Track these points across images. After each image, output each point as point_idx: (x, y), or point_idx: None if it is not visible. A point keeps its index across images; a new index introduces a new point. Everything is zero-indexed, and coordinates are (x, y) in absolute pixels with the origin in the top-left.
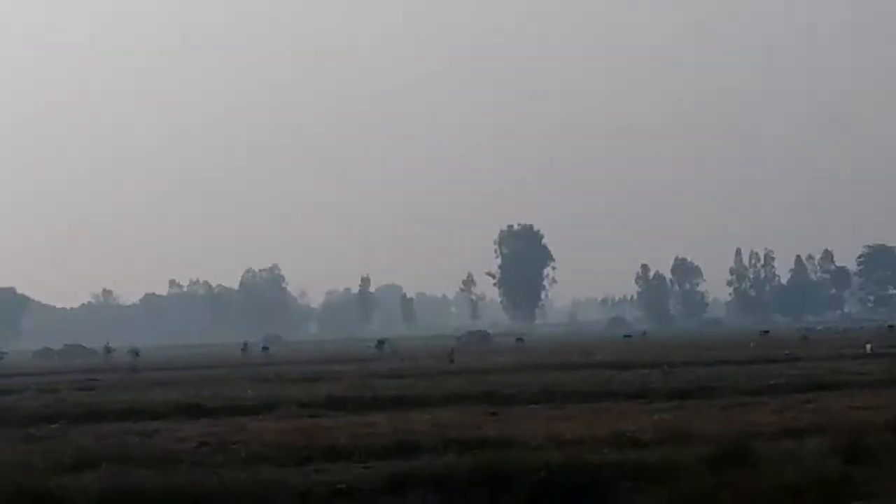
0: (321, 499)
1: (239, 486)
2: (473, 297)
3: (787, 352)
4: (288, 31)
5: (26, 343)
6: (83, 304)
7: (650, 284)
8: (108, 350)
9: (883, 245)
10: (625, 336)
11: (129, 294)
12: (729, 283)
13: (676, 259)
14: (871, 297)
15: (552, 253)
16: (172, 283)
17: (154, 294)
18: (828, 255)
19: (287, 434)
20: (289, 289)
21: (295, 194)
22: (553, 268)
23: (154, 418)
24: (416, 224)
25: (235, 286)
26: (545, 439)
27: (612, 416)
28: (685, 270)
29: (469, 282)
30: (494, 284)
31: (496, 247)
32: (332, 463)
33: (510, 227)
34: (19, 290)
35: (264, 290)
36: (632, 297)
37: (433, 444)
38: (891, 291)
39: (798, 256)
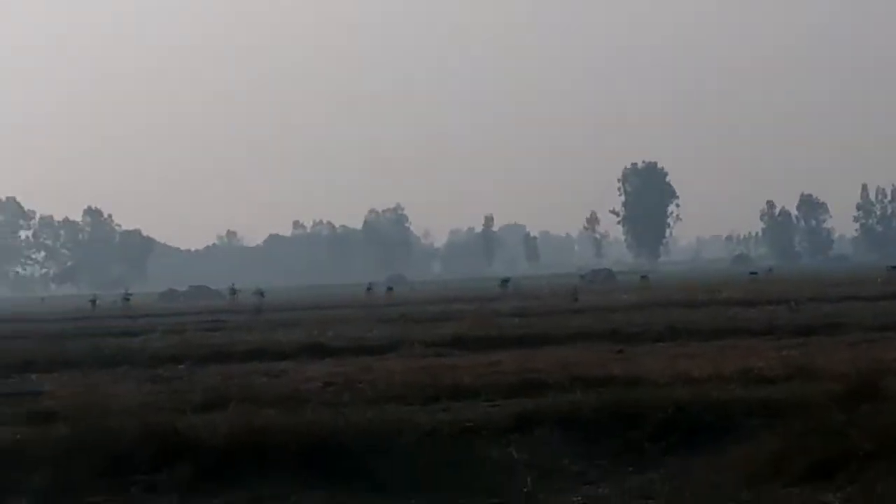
0: (448, 437)
1: (365, 425)
2: (597, 236)
3: None
4: None
5: (152, 285)
6: (208, 246)
7: (775, 221)
8: (232, 291)
9: None
10: (750, 273)
11: (254, 235)
12: (855, 220)
13: (802, 195)
14: None
15: (676, 190)
16: (296, 223)
17: (278, 235)
18: None
19: (412, 373)
20: (412, 229)
21: (418, 133)
22: (677, 205)
23: (279, 359)
24: (540, 162)
25: (359, 226)
26: (671, 377)
27: (739, 353)
28: (811, 206)
29: (592, 220)
30: (618, 222)
31: (620, 184)
32: (458, 401)
33: (634, 164)
34: (145, 233)
35: (388, 230)
36: (756, 235)
37: (559, 382)
38: None
39: None
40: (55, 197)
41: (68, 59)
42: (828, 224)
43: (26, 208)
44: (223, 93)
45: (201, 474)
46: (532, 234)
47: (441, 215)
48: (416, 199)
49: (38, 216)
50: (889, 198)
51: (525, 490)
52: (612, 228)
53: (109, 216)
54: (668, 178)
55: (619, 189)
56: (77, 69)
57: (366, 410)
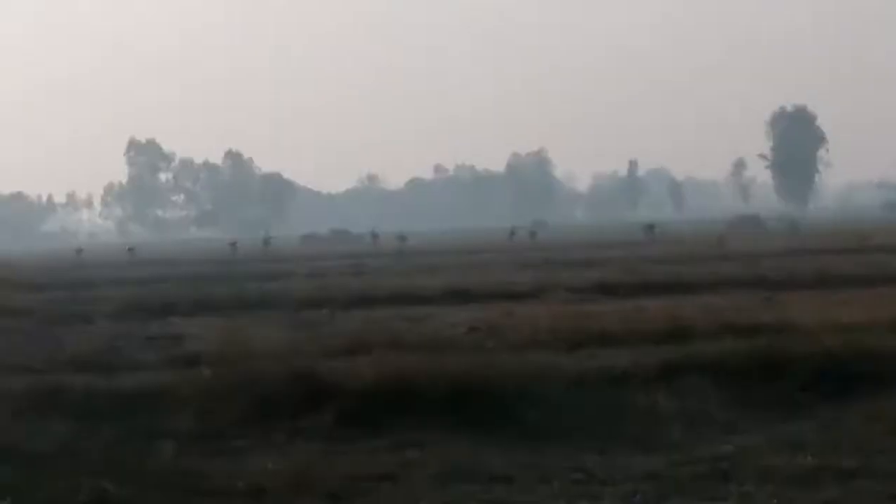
0: (594, 385)
1: (510, 372)
2: (744, 181)
3: None
4: None
5: (292, 228)
6: (348, 189)
7: None
8: (374, 235)
9: None
10: None
11: (395, 179)
12: None
13: None
14: None
15: (826, 135)
16: (438, 167)
17: (419, 178)
18: None
19: (557, 319)
20: (555, 173)
21: (562, 75)
22: (826, 150)
23: (422, 304)
24: (686, 105)
25: (501, 170)
26: (822, 325)
27: (892, 302)
28: None
29: (739, 165)
30: (766, 167)
31: (768, 129)
32: (604, 348)
33: (783, 108)
34: (285, 176)
35: (530, 173)
36: None
37: (707, 329)
38: None
39: None
40: (196, 140)
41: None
42: None
43: (166, 151)
44: (364, 34)
45: (344, 419)
46: (677, 179)
47: (585, 159)
48: (560, 143)
49: (178, 159)
50: None
51: (672, 439)
52: (760, 174)
53: (250, 159)
54: (817, 122)
55: (766, 133)
56: (221, 11)
57: (511, 356)
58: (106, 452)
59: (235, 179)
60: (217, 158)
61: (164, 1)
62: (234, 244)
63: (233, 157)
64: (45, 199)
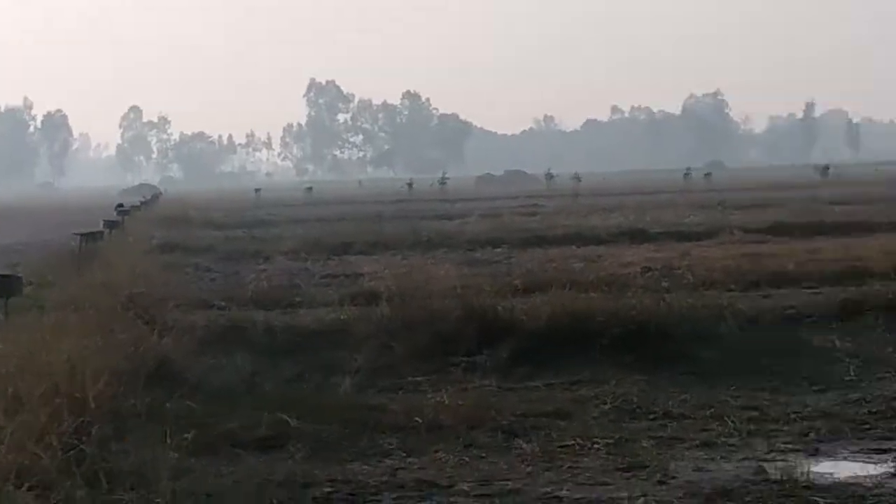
0: (769, 324)
1: (686, 311)
2: None
3: None
4: None
5: (468, 169)
6: (524, 130)
7: None
8: (549, 176)
9: None
10: None
11: (570, 120)
12: None
13: None
14: None
15: None
16: (614, 108)
17: (595, 120)
18: None
19: (732, 259)
20: (731, 114)
21: (738, 16)
22: None
23: (597, 243)
24: (864, 46)
25: (677, 112)
26: None
27: None
28: None
29: None
30: None
31: None
32: (779, 288)
33: None
34: (462, 117)
35: (706, 115)
36: None
37: (883, 270)
38: None
39: None
40: (374, 81)
41: None
42: None
43: (345, 92)
44: None
45: (520, 356)
46: (854, 121)
47: (761, 101)
48: (736, 84)
49: (356, 100)
50: None
51: (847, 378)
52: None
53: (427, 100)
54: None
55: None
56: None
57: (686, 296)
58: (286, 387)
59: (412, 120)
60: (395, 99)
61: None
62: (410, 184)
63: (410, 98)
64: (225, 139)
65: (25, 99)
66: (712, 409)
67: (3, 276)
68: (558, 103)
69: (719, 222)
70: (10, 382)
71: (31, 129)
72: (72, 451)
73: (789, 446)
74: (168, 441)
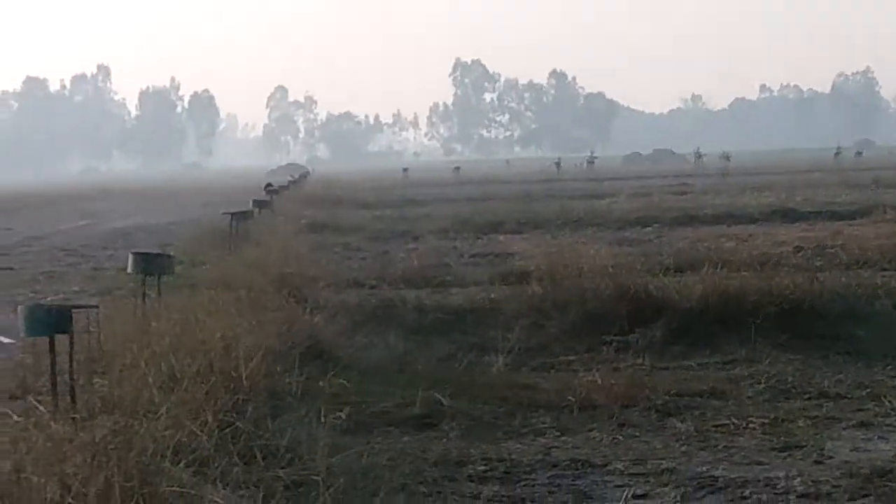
0: None
1: (841, 290)
2: None
3: None
4: None
5: (615, 148)
6: (671, 110)
7: None
8: (697, 155)
9: None
10: None
11: (718, 99)
12: None
13: None
14: None
15: None
16: (763, 87)
17: (743, 99)
18: None
19: (886, 238)
20: (881, 93)
21: None
22: None
23: (748, 222)
24: None
25: (826, 90)
26: None
27: None
28: None
29: None
30: None
31: None
32: None
33: None
34: (608, 96)
35: (856, 94)
36: None
37: None
38: None
39: None
40: (520, 60)
41: None
42: None
43: (491, 71)
44: None
45: (673, 336)
46: None
47: None
48: (888, 63)
49: (503, 79)
50: None
51: None
52: None
53: (574, 79)
54: None
55: None
56: None
57: (839, 275)
58: (438, 366)
59: (559, 99)
60: (541, 79)
61: None
62: (557, 163)
63: (557, 77)
64: (371, 119)
65: (173, 79)
66: (868, 389)
67: (156, 254)
68: (706, 82)
69: (872, 201)
70: (165, 360)
71: (179, 109)
72: (227, 429)
73: None
74: (322, 419)
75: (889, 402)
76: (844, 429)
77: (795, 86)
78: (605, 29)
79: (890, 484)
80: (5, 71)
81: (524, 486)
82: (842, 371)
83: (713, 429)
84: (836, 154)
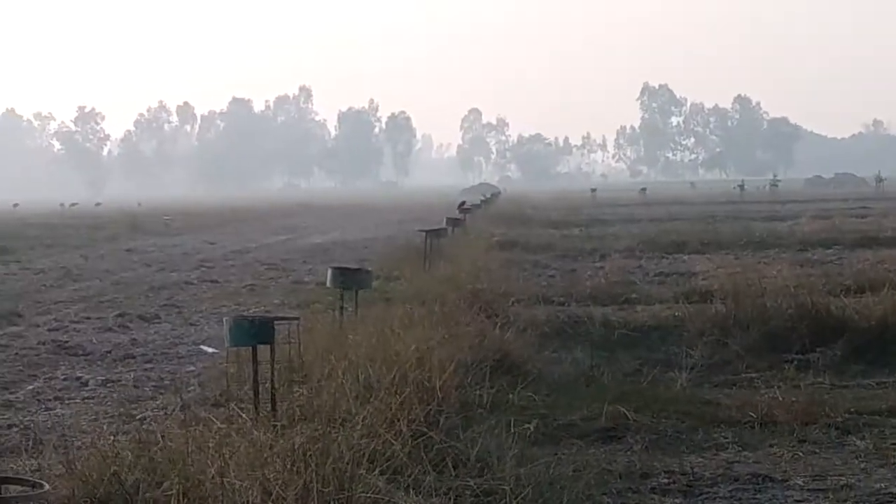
0: None
1: None
2: None
3: None
4: None
5: (798, 171)
6: (853, 134)
7: None
8: (878, 179)
9: None
10: None
11: None
12: None
13: None
14: None
15: None
16: None
17: None
18: None
19: None
20: None
21: None
22: None
23: None
24: None
25: None
26: None
27: None
28: None
29: None
30: None
31: None
32: None
33: None
34: (792, 120)
35: None
36: None
37: None
38: None
39: None
40: (706, 85)
41: None
42: None
43: (678, 96)
44: None
45: (852, 355)
46: None
47: None
48: None
49: (689, 103)
50: None
51: None
52: None
53: (758, 104)
54: None
55: None
56: None
57: None
58: (623, 381)
59: (743, 124)
60: (726, 103)
61: None
62: (741, 186)
63: (741, 101)
64: (561, 141)
65: (371, 101)
66: None
67: (354, 269)
68: (888, 108)
69: None
70: (361, 371)
71: (377, 130)
72: (420, 438)
73: None
74: (512, 430)
75: None
76: None
77: None
78: (788, 55)
79: None
80: (214, 92)
81: (706, 499)
82: None
83: (892, 447)
84: None
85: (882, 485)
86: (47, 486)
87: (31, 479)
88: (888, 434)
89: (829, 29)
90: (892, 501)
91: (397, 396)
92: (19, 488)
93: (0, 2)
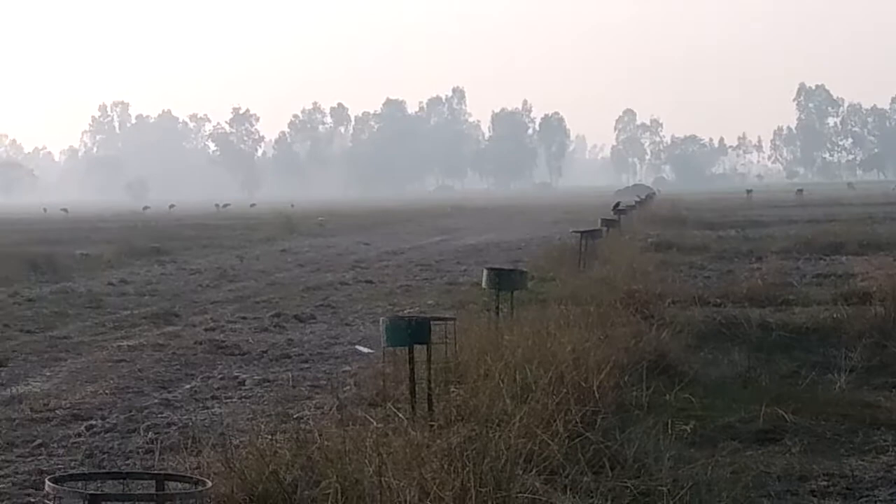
0: None
1: None
2: None
3: None
4: None
5: None
6: None
7: None
8: None
9: None
10: None
11: None
12: None
13: None
14: None
15: None
16: None
17: None
18: None
19: None
20: None
21: None
22: None
23: None
24: None
25: None
26: None
27: None
28: None
29: None
30: None
31: None
32: None
33: None
34: None
35: None
36: None
37: None
38: None
39: None
40: (865, 85)
41: None
42: None
43: (835, 96)
44: None
45: None
46: None
47: None
48: None
49: (846, 104)
50: None
51: None
52: None
53: None
54: None
55: None
56: None
57: None
58: (781, 383)
59: None
60: (884, 104)
61: None
62: None
63: None
64: (716, 142)
65: (525, 102)
66: None
67: (509, 270)
68: None
69: None
70: (518, 371)
71: (530, 131)
72: (578, 439)
73: None
74: (669, 432)
75: None
76: None
77: None
78: None
79: None
80: (368, 94)
81: (866, 502)
82: None
83: None
84: None
85: None
86: (209, 483)
87: (192, 476)
88: None
89: None
90: None
91: (554, 397)
92: (181, 485)
93: (155, 6)
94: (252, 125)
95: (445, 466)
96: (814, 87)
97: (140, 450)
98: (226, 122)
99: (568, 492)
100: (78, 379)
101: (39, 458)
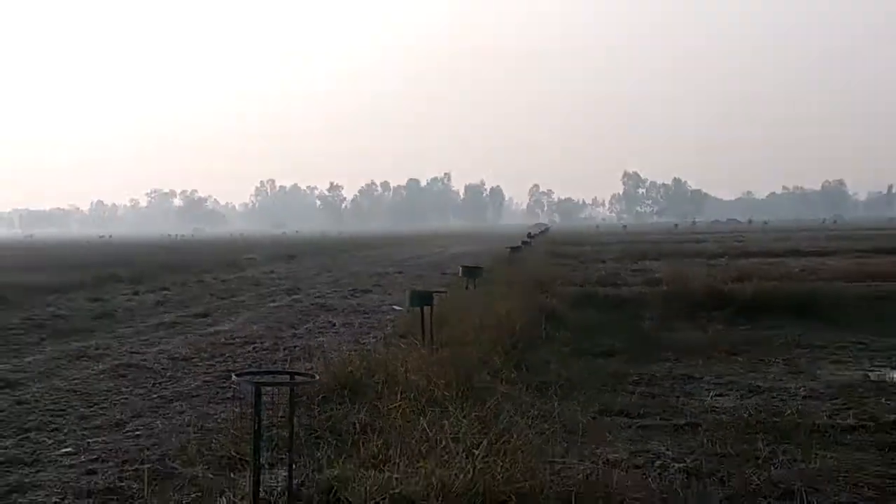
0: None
1: (827, 290)
2: None
3: None
4: None
5: None
6: None
7: None
8: None
9: None
10: None
11: None
12: None
13: None
14: None
15: None
16: None
17: None
18: None
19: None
20: None
21: None
22: None
23: None
24: None
25: None
26: None
27: None
28: None
29: None
30: None
31: None
32: None
33: None
34: None
35: None
36: None
37: None
38: None
39: None
40: (659, 168)
41: None
42: None
43: (642, 177)
44: None
45: (735, 316)
46: None
47: None
48: None
49: (648, 182)
50: None
51: None
52: None
53: None
54: None
55: None
56: None
57: (824, 284)
58: (614, 326)
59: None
60: (668, 180)
61: None
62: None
63: None
64: (582, 201)
65: (482, 181)
66: (836, 344)
67: (474, 267)
68: None
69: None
70: (478, 318)
71: (485, 195)
72: (509, 353)
73: (884, 365)
74: (556, 351)
75: (850, 351)
76: (828, 364)
77: None
78: None
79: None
80: (395, 170)
81: (658, 388)
82: (828, 334)
83: (759, 362)
84: None
85: (753, 382)
86: (317, 377)
87: (308, 373)
88: (752, 355)
89: None
90: (756, 390)
91: (496, 332)
92: (302, 378)
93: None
94: (339, 191)
95: (439, 368)
96: (631, 172)
97: (281, 359)
98: (325, 189)
99: (503, 383)
100: (248, 322)
101: (228, 363)
